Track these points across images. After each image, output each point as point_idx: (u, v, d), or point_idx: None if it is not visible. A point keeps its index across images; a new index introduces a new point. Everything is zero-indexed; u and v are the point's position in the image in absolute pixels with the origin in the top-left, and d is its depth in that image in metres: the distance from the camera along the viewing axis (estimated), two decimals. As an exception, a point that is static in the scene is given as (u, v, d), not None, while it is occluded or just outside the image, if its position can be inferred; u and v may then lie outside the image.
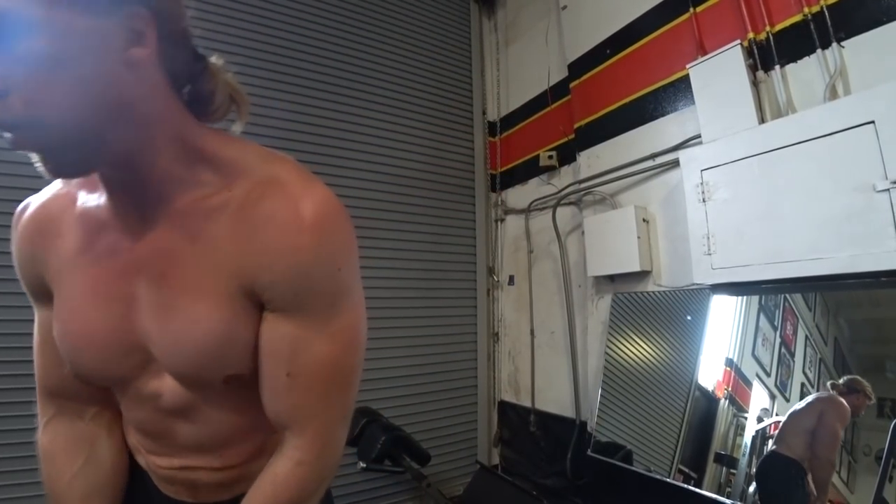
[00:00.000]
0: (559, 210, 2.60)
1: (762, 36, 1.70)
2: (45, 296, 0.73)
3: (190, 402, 0.70)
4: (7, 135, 0.49)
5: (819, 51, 1.54)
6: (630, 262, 2.05)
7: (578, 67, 2.51)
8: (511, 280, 3.07)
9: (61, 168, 0.54)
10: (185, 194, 0.64)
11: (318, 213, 0.62)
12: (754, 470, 1.54)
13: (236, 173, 0.64)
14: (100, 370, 0.70)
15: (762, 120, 1.64)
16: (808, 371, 1.52)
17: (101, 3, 0.52)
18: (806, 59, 1.59)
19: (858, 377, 1.40)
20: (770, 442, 1.52)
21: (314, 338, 0.65)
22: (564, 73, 2.63)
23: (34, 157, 0.53)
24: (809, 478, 1.42)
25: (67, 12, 0.49)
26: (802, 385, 1.51)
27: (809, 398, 1.48)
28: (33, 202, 0.74)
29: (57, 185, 0.74)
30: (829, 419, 1.41)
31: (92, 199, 0.68)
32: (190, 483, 0.77)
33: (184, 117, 0.65)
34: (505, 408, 2.98)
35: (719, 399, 1.69)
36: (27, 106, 0.48)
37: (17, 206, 0.76)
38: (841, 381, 1.43)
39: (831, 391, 1.43)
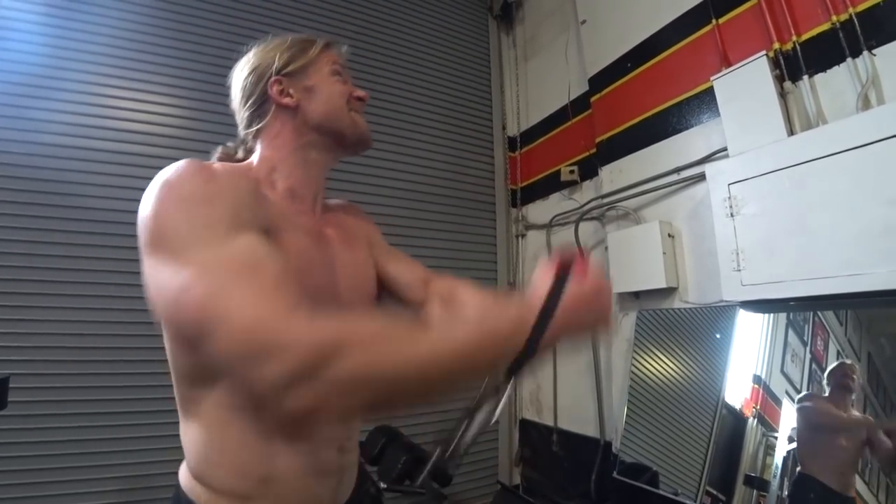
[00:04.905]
0: (581, 225, 2.57)
1: (788, 46, 1.66)
2: (256, 226, 0.73)
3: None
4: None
5: (849, 59, 1.49)
6: (656, 279, 2.00)
7: (599, 81, 2.50)
8: (532, 296, 3.03)
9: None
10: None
11: None
12: (786, 493, 1.47)
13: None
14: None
15: (791, 132, 1.60)
16: (842, 389, 1.45)
17: None
18: (835, 68, 1.54)
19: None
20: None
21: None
22: (585, 88, 2.61)
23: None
24: None
25: None
26: (837, 404, 1.44)
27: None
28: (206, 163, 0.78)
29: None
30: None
31: (273, 193, 0.90)
32: None
33: None
34: (526, 426, 2.91)
35: (747, 418, 1.63)
36: None
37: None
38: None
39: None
